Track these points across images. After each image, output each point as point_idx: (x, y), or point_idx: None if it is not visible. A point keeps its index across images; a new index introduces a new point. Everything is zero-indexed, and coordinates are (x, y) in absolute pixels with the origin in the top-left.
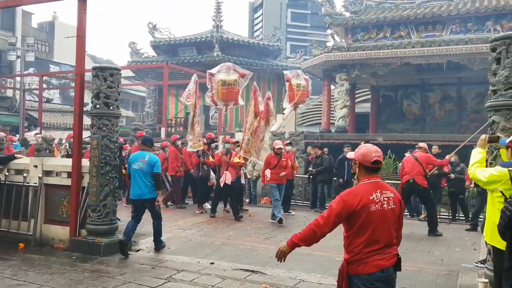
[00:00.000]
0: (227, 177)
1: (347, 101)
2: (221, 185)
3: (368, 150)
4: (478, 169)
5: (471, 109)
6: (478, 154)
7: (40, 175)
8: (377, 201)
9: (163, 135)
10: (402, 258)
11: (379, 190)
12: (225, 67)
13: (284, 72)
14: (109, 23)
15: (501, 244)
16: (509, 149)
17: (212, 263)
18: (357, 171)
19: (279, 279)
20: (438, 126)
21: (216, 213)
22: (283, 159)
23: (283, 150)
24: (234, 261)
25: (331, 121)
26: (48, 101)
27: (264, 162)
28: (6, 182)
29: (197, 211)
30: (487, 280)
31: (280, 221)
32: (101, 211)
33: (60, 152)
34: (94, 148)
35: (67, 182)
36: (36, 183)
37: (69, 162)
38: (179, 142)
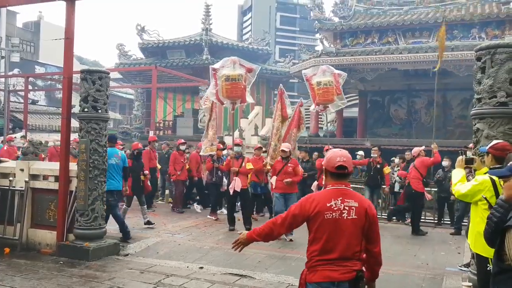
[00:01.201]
0: (236, 184)
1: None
2: (231, 192)
3: (333, 154)
4: (461, 186)
5: (457, 114)
6: (458, 173)
7: (27, 179)
8: (335, 209)
9: None
10: (389, 262)
11: (340, 198)
12: (229, 61)
13: (303, 72)
14: (96, 24)
15: (485, 252)
16: (490, 154)
17: (201, 268)
18: (323, 177)
19: (268, 283)
20: (424, 131)
21: (235, 225)
22: (289, 164)
23: (291, 155)
24: (223, 266)
25: (319, 125)
26: (34, 102)
27: (271, 169)
28: None
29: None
30: (471, 284)
31: (291, 240)
32: (89, 215)
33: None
34: (83, 152)
35: (55, 186)
36: (22, 187)
37: (56, 166)
38: (183, 147)
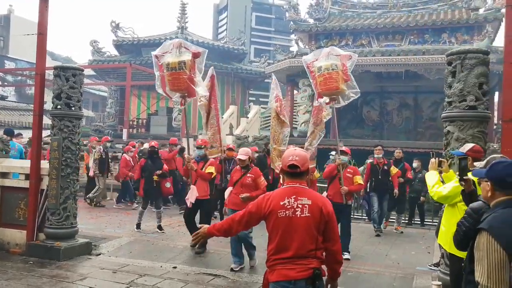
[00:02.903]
0: (191, 194)
1: (310, 107)
2: (188, 204)
3: (287, 153)
4: (440, 188)
5: (427, 117)
6: (434, 176)
7: None
8: (288, 207)
9: (125, 137)
10: (360, 262)
11: (293, 196)
12: (171, 45)
13: (303, 58)
14: (69, 19)
15: (461, 252)
16: (468, 157)
17: (175, 267)
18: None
19: (242, 283)
20: (396, 132)
21: (205, 246)
22: (249, 175)
23: (246, 161)
24: (197, 265)
25: (293, 125)
26: (3, 98)
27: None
28: None
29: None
30: (440, 283)
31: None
32: (61, 214)
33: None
34: (55, 149)
35: (25, 184)
36: None
37: (27, 163)
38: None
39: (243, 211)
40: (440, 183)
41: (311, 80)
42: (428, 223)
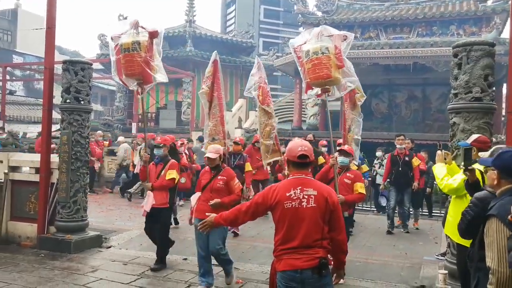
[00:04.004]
0: (147, 201)
1: (319, 100)
2: (142, 213)
3: (294, 144)
4: (450, 180)
5: (435, 109)
6: (442, 168)
7: (6, 171)
8: (294, 198)
9: (134, 130)
10: (368, 252)
11: (299, 187)
12: (129, 25)
13: (290, 41)
14: (77, 13)
15: (468, 242)
16: (473, 148)
17: (185, 259)
18: (287, 168)
19: (251, 273)
20: (404, 124)
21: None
22: (220, 177)
23: (216, 160)
24: None
25: (302, 118)
26: (11, 93)
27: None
28: None
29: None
30: (446, 272)
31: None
32: (71, 207)
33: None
34: (64, 143)
35: (35, 178)
36: (1, 179)
37: (37, 157)
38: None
39: (250, 202)
40: (448, 175)
41: (299, 68)
42: (436, 214)
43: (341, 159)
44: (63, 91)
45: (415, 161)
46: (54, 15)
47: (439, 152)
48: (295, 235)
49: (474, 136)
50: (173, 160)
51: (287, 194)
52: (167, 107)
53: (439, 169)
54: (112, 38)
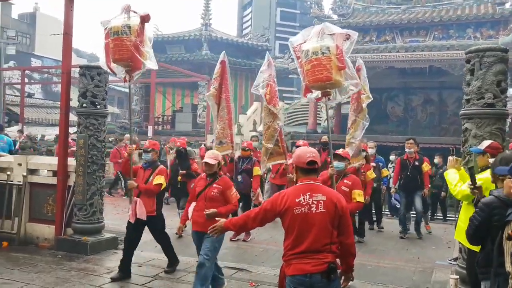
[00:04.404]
0: (138, 208)
1: (333, 103)
2: (131, 220)
3: (302, 151)
4: (463, 186)
5: (452, 112)
6: (454, 174)
7: (25, 174)
8: (304, 203)
9: (150, 133)
10: (381, 256)
11: (308, 193)
12: (120, 10)
13: (290, 40)
14: (94, 16)
15: (478, 247)
16: (487, 154)
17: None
18: (294, 174)
19: (264, 276)
20: (420, 128)
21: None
22: (215, 185)
23: (214, 167)
24: (220, 259)
25: (317, 121)
26: (30, 95)
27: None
28: None
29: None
30: (457, 277)
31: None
32: (88, 210)
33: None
34: (81, 147)
35: (53, 180)
36: (20, 182)
37: (54, 160)
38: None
39: (258, 208)
40: (461, 181)
41: (298, 69)
42: (450, 218)
43: (335, 163)
44: (79, 96)
45: (425, 166)
46: (71, 22)
47: (450, 158)
48: (305, 240)
49: (487, 142)
50: (162, 166)
51: (297, 200)
52: (183, 110)
53: (452, 175)
54: (101, 23)
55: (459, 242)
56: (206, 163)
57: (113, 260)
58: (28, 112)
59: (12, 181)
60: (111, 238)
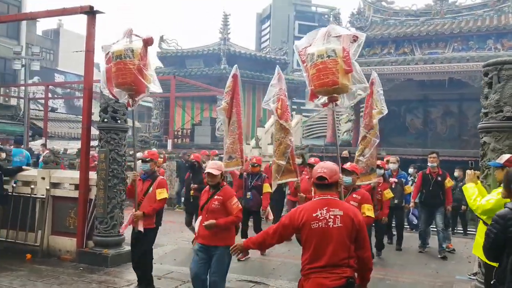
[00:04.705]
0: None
1: (352, 115)
2: (121, 230)
3: (317, 166)
4: (482, 200)
5: (472, 124)
6: (473, 188)
7: (48, 187)
8: (321, 218)
9: (169, 146)
10: (399, 270)
11: (325, 208)
12: (122, 34)
13: (295, 43)
14: (115, 32)
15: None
16: (506, 168)
17: None
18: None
19: None
20: (440, 140)
21: None
22: (217, 196)
23: (218, 178)
24: (239, 273)
25: (336, 134)
26: (53, 110)
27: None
28: (14, 194)
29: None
30: None
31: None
32: (108, 223)
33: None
34: (102, 161)
35: (75, 194)
36: (43, 195)
37: (76, 174)
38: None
39: (277, 224)
40: (480, 196)
41: (304, 74)
42: (471, 232)
43: (343, 178)
44: (101, 111)
45: (448, 182)
46: (93, 40)
47: (469, 171)
48: (323, 255)
49: (506, 156)
50: (161, 177)
51: (314, 215)
52: (201, 124)
53: (470, 190)
54: (102, 48)
55: (478, 257)
56: (209, 173)
57: (133, 272)
58: (51, 126)
59: (35, 194)
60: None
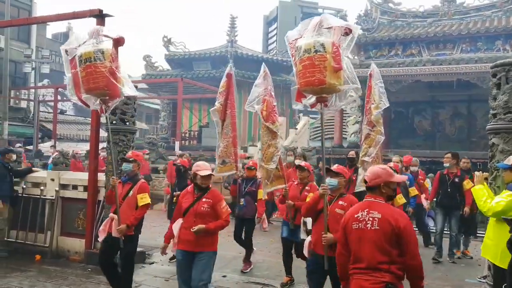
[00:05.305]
0: (114, 225)
1: (359, 117)
2: (99, 238)
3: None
4: (492, 202)
5: (481, 126)
6: (483, 190)
7: (57, 189)
8: (361, 219)
9: (177, 148)
10: None
11: (366, 209)
12: (88, 35)
13: (288, 33)
14: (123, 35)
15: (505, 264)
16: None
17: (224, 276)
18: None
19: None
20: (448, 142)
21: None
22: (204, 199)
23: (207, 179)
24: (246, 275)
25: (343, 136)
26: (62, 112)
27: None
28: (23, 195)
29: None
30: None
31: None
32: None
33: None
34: (110, 163)
35: (83, 195)
36: (52, 196)
37: (85, 176)
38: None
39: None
40: (490, 198)
41: (293, 68)
42: (481, 234)
43: (327, 180)
44: (109, 113)
45: (467, 184)
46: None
47: (477, 173)
48: (361, 256)
49: None
50: (142, 181)
51: (355, 216)
52: (209, 126)
53: (480, 192)
54: (66, 51)
55: (487, 260)
56: (203, 176)
57: (141, 274)
58: (60, 128)
59: (45, 196)
60: (138, 253)
